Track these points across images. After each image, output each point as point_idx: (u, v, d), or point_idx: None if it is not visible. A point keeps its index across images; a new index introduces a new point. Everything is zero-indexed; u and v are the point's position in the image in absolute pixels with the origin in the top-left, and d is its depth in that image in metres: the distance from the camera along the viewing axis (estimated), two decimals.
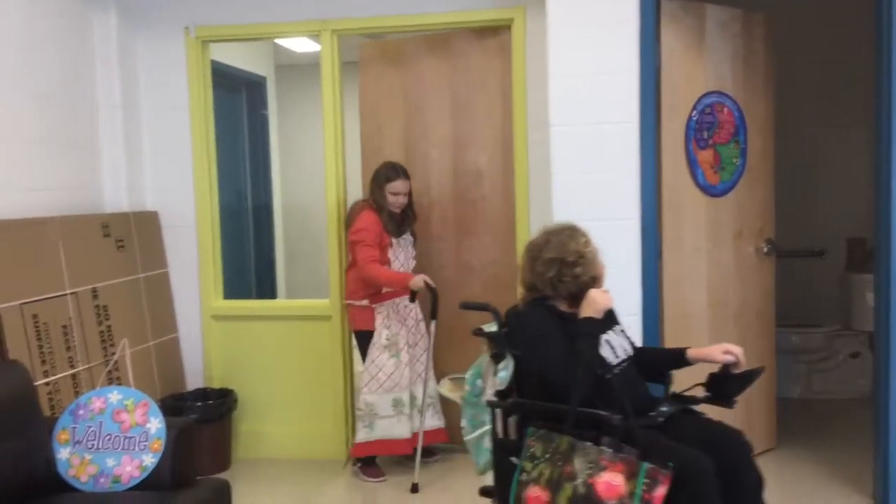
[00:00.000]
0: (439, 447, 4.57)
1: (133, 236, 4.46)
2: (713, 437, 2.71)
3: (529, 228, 4.43)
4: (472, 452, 3.02)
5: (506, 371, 2.84)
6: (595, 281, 2.88)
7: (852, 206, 5.60)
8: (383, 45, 4.87)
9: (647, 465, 2.43)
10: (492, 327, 2.95)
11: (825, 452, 4.46)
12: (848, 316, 5.59)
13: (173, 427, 3.09)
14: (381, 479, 4.36)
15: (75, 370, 3.84)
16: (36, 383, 3.31)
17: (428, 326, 4.39)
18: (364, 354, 4.37)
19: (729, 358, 2.81)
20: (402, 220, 4.37)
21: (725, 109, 4.15)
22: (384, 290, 4.29)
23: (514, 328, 2.89)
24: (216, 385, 4.73)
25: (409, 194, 4.38)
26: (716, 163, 4.14)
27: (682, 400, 2.90)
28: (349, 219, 4.41)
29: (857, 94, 5.36)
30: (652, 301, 3.75)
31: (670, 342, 3.85)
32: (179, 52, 4.69)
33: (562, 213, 3.60)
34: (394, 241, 4.32)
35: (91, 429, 3.06)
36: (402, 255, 4.38)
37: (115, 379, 4.09)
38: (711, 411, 2.91)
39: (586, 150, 3.71)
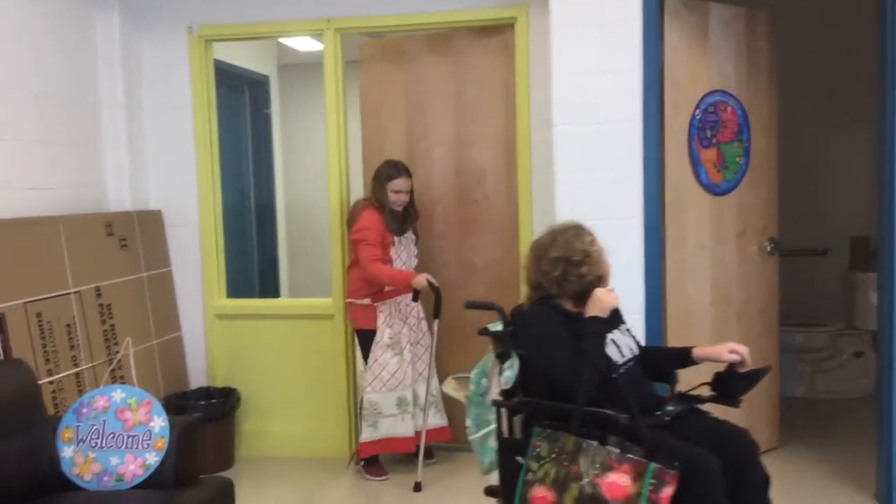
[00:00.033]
0: (439, 446, 4.56)
1: (136, 235, 4.47)
2: (719, 437, 2.71)
3: (532, 228, 4.43)
4: (476, 452, 3.01)
5: (511, 370, 2.83)
6: (601, 280, 2.87)
7: (856, 204, 5.59)
8: (384, 44, 4.87)
9: (654, 466, 2.42)
10: (497, 326, 2.94)
11: (828, 452, 4.45)
12: (851, 315, 5.58)
13: (177, 426, 3.09)
14: (384, 477, 4.37)
15: (79, 369, 3.85)
16: (40, 382, 3.31)
17: (430, 325, 4.39)
18: (366, 354, 4.37)
19: (735, 357, 2.81)
20: (403, 219, 4.37)
21: (729, 108, 4.15)
22: (386, 288, 4.29)
23: (520, 327, 2.89)
24: (219, 384, 4.74)
25: (411, 192, 4.38)
26: (719, 161, 4.13)
27: (688, 399, 2.90)
28: (351, 217, 4.41)
29: (860, 93, 5.34)
30: (655, 300, 3.74)
31: (673, 341, 3.85)
32: (182, 51, 4.69)
33: (565, 212, 3.59)
34: (396, 239, 4.32)
35: (95, 427, 3.06)
36: (404, 254, 4.38)
37: (118, 377, 4.09)
38: (716, 410, 2.91)
39: (589, 148, 3.71)
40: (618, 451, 2.50)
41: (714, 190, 4.13)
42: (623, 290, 2.94)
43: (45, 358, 3.64)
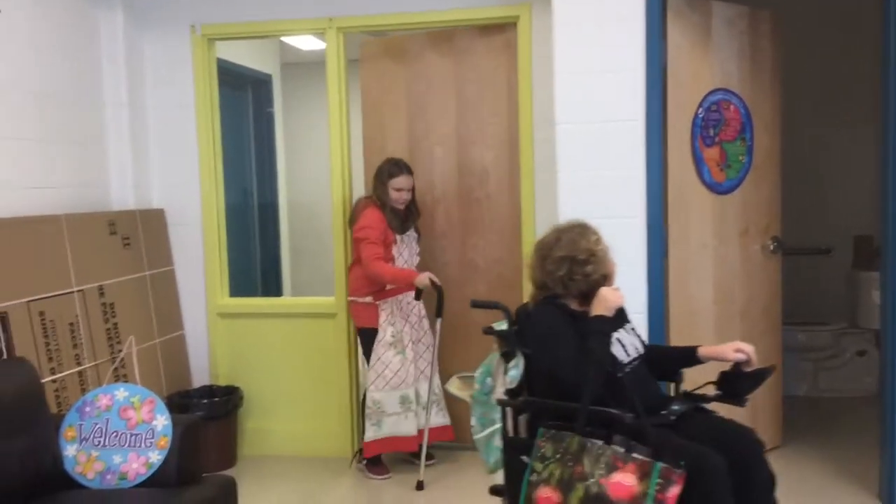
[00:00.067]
0: (441, 445, 4.55)
1: (139, 234, 4.48)
2: (725, 436, 2.70)
3: (535, 227, 4.43)
4: (481, 451, 2.99)
5: (516, 369, 2.82)
6: (606, 279, 2.86)
7: (859, 203, 5.58)
8: (386, 43, 4.86)
9: (660, 465, 2.41)
10: (502, 325, 2.93)
11: (831, 450, 4.45)
12: (854, 314, 5.57)
13: (179, 424, 3.10)
14: (387, 476, 4.37)
15: (82, 367, 3.85)
16: (43, 380, 3.31)
17: (433, 324, 4.39)
18: (367, 352, 4.37)
19: (741, 356, 2.80)
20: (405, 217, 4.37)
21: (732, 107, 4.14)
22: (387, 287, 4.29)
23: (525, 326, 2.88)
24: (222, 382, 4.74)
25: (413, 190, 4.38)
26: (722, 160, 4.13)
27: (694, 398, 2.89)
28: (353, 216, 4.41)
29: (863, 92, 5.34)
30: (658, 299, 3.74)
31: (676, 340, 3.84)
32: (185, 51, 4.70)
33: (567, 211, 3.59)
34: (398, 237, 4.32)
35: (98, 426, 3.07)
36: (405, 252, 4.38)
37: (121, 376, 4.10)
38: (722, 409, 2.90)
39: (592, 147, 3.70)
40: (623, 450, 2.49)
41: (717, 188, 4.12)
42: (626, 288, 2.93)
43: (48, 356, 3.65)
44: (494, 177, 4.65)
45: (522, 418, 2.86)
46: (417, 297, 4.32)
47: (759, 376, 2.82)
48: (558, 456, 2.57)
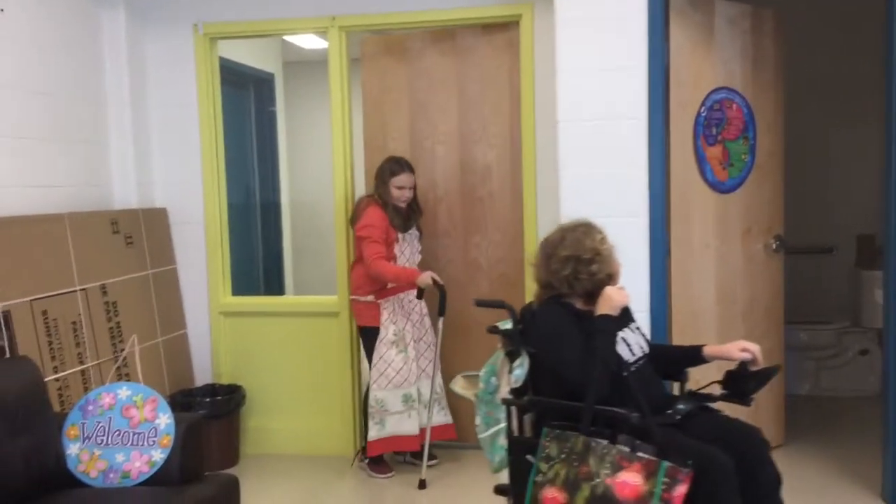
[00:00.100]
0: (443, 444, 4.55)
1: (142, 233, 4.48)
2: (730, 435, 2.70)
3: (537, 225, 4.43)
4: (486, 450, 2.98)
5: (521, 368, 2.81)
6: (611, 278, 2.86)
7: (862, 202, 5.57)
8: (387, 41, 4.85)
9: (666, 464, 2.41)
10: (506, 325, 2.93)
11: (834, 450, 4.45)
12: (857, 313, 5.57)
13: (182, 423, 3.10)
14: (389, 475, 4.37)
15: (85, 366, 3.86)
16: (46, 379, 3.32)
17: (435, 323, 4.39)
18: (369, 351, 4.37)
19: (746, 356, 2.80)
20: (407, 215, 4.37)
21: (734, 106, 4.14)
22: (389, 285, 4.29)
23: (530, 326, 2.87)
24: (224, 381, 4.75)
25: (414, 189, 4.37)
26: (724, 159, 4.12)
27: (699, 397, 2.89)
28: (355, 214, 4.40)
29: (866, 90, 5.33)
30: (660, 298, 3.74)
31: (678, 339, 3.84)
32: (188, 49, 4.70)
33: (570, 210, 3.58)
34: (400, 236, 4.32)
35: (100, 424, 3.07)
36: (407, 251, 4.38)
37: (124, 375, 4.10)
38: (727, 409, 2.90)
39: (595, 146, 3.70)
40: (628, 450, 2.49)
41: (719, 188, 4.12)
42: (628, 288, 2.92)
43: (50, 355, 3.65)
44: (497, 175, 4.65)
45: (527, 418, 2.86)
46: (419, 296, 4.32)
47: (764, 376, 2.81)
48: (563, 456, 2.57)
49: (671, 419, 2.73)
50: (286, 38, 6.15)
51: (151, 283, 4.50)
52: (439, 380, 4.43)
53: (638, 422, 2.53)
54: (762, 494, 2.66)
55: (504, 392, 2.89)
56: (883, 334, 3.93)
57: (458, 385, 3.13)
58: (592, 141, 3.70)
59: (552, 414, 2.72)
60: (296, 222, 6.81)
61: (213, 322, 4.79)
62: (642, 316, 3.64)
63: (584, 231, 2.89)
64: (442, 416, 4.47)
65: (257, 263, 6.12)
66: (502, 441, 2.90)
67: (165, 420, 3.07)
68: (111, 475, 3.00)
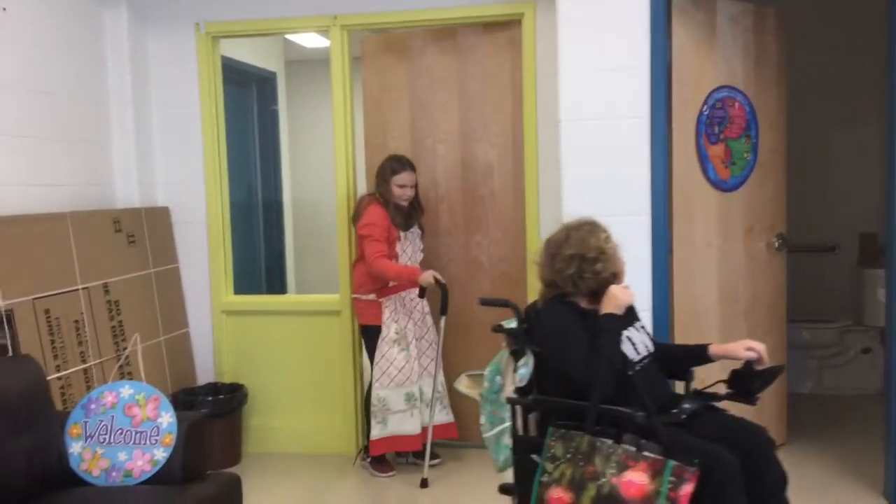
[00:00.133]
0: (445, 443, 4.55)
1: (144, 232, 4.48)
2: (736, 434, 2.69)
3: (539, 224, 4.43)
4: (491, 450, 2.98)
5: (526, 368, 2.81)
6: (616, 277, 2.85)
7: (865, 200, 5.57)
8: (387, 39, 4.84)
9: (672, 463, 2.40)
10: (511, 323, 2.92)
11: (836, 448, 4.44)
12: (860, 311, 5.56)
13: (184, 421, 3.10)
14: (391, 474, 4.37)
15: (87, 365, 3.86)
16: (48, 378, 3.33)
17: (437, 322, 4.39)
18: (371, 349, 4.37)
19: (752, 354, 2.79)
20: (409, 214, 4.37)
21: (736, 104, 4.13)
22: (391, 283, 4.29)
23: (535, 325, 2.86)
24: (227, 380, 4.75)
25: (416, 187, 4.37)
26: (727, 158, 4.12)
27: (704, 397, 2.88)
28: (356, 213, 4.40)
29: (868, 89, 5.33)
30: (662, 296, 3.73)
31: (681, 338, 3.84)
32: (190, 48, 4.70)
33: (572, 209, 3.59)
34: (401, 234, 4.32)
35: (103, 423, 3.08)
36: (409, 249, 4.38)
37: (126, 374, 4.11)
38: (732, 408, 2.89)
39: (597, 145, 3.70)
40: (634, 449, 2.48)
41: (722, 186, 4.11)
42: (630, 286, 2.92)
43: (53, 354, 3.66)
44: (498, 174, 4.65)
45: (532, 417, 2.85)
46: (421, 295, 4.32)
47: (770, 375, 2.81)
48: (569, 456, 2.56)
49: (676, 418, 2.73)
50: (288, 37, 6.15)
51: (154, 281, 4.50)
52: (441, 378, 4.43)
53: (643, 421, 2.52)
54: (768, 494, 2.65)
55: (509, 391, 2.88)
56: (885, 333, 3.93)
57: (463, 384, 3.13)
58: (594, 140, 3.70)
59: (557, 413, 2.72)
60: (298, 221, 6.82)
61: (216, 321, 4.80)
62: (644, 314, 3.63)
63: (588, 230, 2.88)
64: (444, 415, 4.47)
65: (259, 262, 6.13)
66: (507, 440, 2.90)
67: (168, 419, 3.07)
68: (113, 474, 3.01)
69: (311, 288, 6.73)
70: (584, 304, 2.86)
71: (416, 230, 4.43)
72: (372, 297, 4.31)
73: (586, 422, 2.58)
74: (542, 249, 2.96)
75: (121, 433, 3.06)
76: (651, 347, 2.92)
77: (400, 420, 4.30)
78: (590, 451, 2.53)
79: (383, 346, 4.30)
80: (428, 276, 4.19)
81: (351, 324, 4.64)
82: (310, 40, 6.39)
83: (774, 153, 4.35)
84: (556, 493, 2.55)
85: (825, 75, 5.62)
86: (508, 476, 2.91)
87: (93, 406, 3.11)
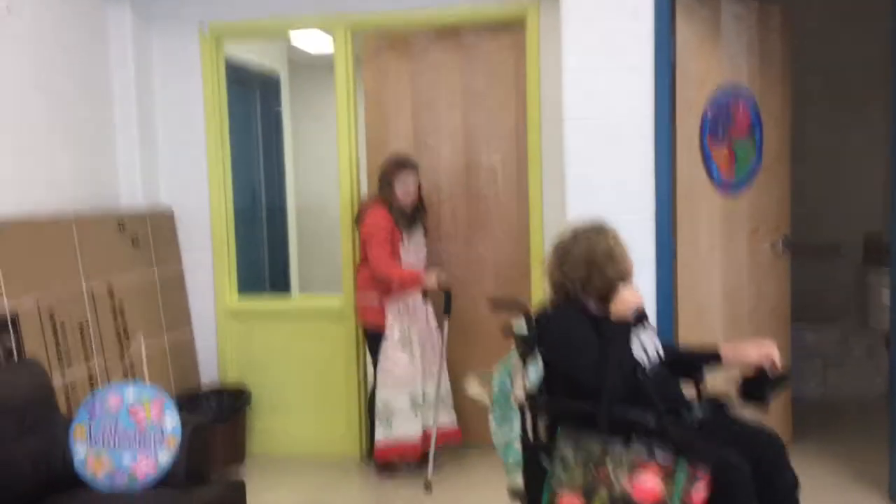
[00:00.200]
0: (448, 446, 4.53)
1: (148, 233, 4.48)
2: (747, 438, 2.67)
3: (543, 225, 4.42)
4: (500, 453, 2.95)
5: (535, 371, 2.79)
6: (625, 279, 2.83)
7: (870, 201, 5.54)
8: (389, 39, 4.80)
9: (685, 466, 2.39)
10: (521, 326, 2.91)
11: (841, 450, 4.43)
12: (864, 313, 5.54)
13: (188, 424, 3.11)
14: (395, 476, 4.37)
15: (91, 367, 3.86)
16: (53, 381, 3.33)
17: (441, 324, 4.38)
18: (374, 352, 4.37)
19: (765, 360, 2.78)
20: (412, 215, 4.35)
21: (741, 105, 4.12)
22: (395, 286, 4.28)
23: (544, 329, 2.84)
24: (230, 382, 4.75)
25: (419, 188, 4.36)
26: (731, 159, 4.11)
27: (716, 400, 2.86)
28: (359, 215, 4.40)
29: (874, 87, 5.30)
30: (666, 298, 3.73)
31: (685, 339, 3.83)
32: (194, 50, 4.70)
33: (576, 210, 3.58)
34: (405, 236, 4.31)
35: (107, 426, 3.08)
36: (413, 251, 4.37)
37: (130, 376, 4.11)
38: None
39: (601, 145, 3.69)
40: (645, 452, 2.47)
41: (726, 187, 4.10)
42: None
43: (57, 357, 3.66)
44: (502, 175, 4.65)
45: (542, 420, 2.83)
46: (425, 296, 4.31)
47: (782, 379, 2.79)
48: (580, 461, 2.55)
49: (687, 422, 2.71)
50: (292, 42, 6.16)
51: (158, 284, 4.50)
52: (445, 380, 4.42)
53: (654, 424, 2.51)
54: (779, 498, 2.63)
55: (519, 394, 2.87)
56: (889, 335, 3.91)
57: (472, 386, 3.10)
58: (598, 140, 3.69)
59: (567, 417, 2.70)
60: (301, 222, 6.82)
61: (220, 323, 4.80)
62: (648, 316, 3.62)
63: (596, 232, 2.87)
64: (448, 418, 4.45)
65: (263, 264, 6.12)
66: (517, 444, 2.88)
67: (172, 421, 3.07)
68: (118, 477, 3.01)
69: (314, 290, 6.73)
70: (593, 306, 2.85)
71: (419, 232, 4.42)
72: (376, 299, 4.31)
73: (597, 425, 2.57)
74: (551, 252, 2.94)
75: (125, 436, 3.06)
76: (661, 350, 2.90)
77: (404, 422, 4.29)
78: (601, 455, 2.51)
79: (387, 349, 4.30)
80: (432, 280, 4.18)
81: (355, 326, 4.64)
82: (313, 44, 6.39)
83: (779, 154, 4.34)
84: (568, 497, 2.54)
85: (830, 74, 5.60)
86: (518, 480, 2.88)
87: (97, 409, 3.11)
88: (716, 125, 4.04)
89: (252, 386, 4.70)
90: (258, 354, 4.78)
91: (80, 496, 2.95)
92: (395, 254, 4.26)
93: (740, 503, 2.46)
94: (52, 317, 3.65)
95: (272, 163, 6.27)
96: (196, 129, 4.74)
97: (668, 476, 2.41)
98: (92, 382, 3.84)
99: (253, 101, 6.08)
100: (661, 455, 2.46)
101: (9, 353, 3.36)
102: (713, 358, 2.90)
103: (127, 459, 3.02)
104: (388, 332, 4.30)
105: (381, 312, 4.31)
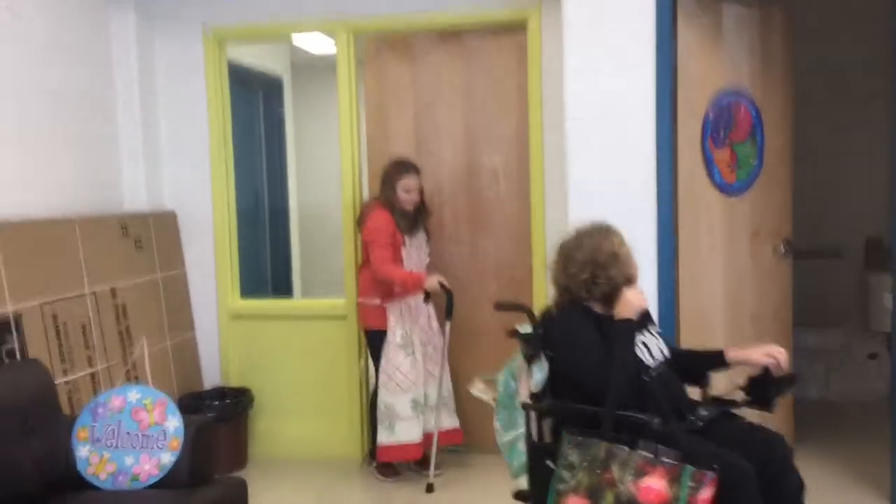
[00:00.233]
0: (450, 449, 4.54)
1: (151, 236, 4.50)
2: (753, 442, 2.66)
3: (545, 227, 4.43)
4: (505, 455, 2.96)
5: (540, 373, 2.79)
6: (629, 281, 2.83)
7: (872, 204, 5.54)
8: (391, 41, 4.79)
9: (691, 469, 2.39)
10: (526, 328, 2.90)
11: (843, 454, 4.43)
12: (866, 317, 5.54)
13: (191, 425, 3.11)
14: (397, 478, 4.37)
15: (94, 369, 3.88)
16: (56, 382, 3.34)
17: (442, 327, 4.38)
18: (375, 354, 4.37)
19: (770, 361, 2.77)
20: (414, 218, 4.35)
21: (742, 107, 4.13)
22: (396, 288, 4.28)
23: (549, 330, 2.84)
24: (233, 384, 4.76)
25: (421, 191, 4.37)
26: (732, 161, 4.11)
27: (722, 403, 2.85)
28: (361, 218, 4.41)
29: (876, 91, 5.30)
30: (668, 301, 3.73)
31: (686, 342, 3.83)
32: (197, 52, 4.71)
33: (577, 212, 3.58)
34: (407, 239, 4.31)
35: (110, 427, 3.08)
36: (415, 254, 4.37)
37: (133, 378, 4.12)
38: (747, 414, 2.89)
39: (602, 148, 3.70)
40: (651, 455, 2.47)
41: (727, 190, 4.11)
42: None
43: (60, 358, 3.67)
44: (504, 177, 4.65)
45: (547, 422, 2.83)
46: (426, 300, 4.32)
47: (787, 381, 2.79)
48: (585, 464, 2.54)
49: (693, 425, 2.70)
50: (294, 43, 6.16)
51: (161, 286, 4.51)
52: (447, 383, 4.43)
53: (659, 427, 2.51)
54: (785, 501, 2.62)
55: (524, 396, 2.86)
56: (891, 338, 3.91)
57: (477, 388, 3.10)
58: (600, 143, 3.70)
59: (572, 419, 2.70)
60: (304, 225, 6.83)
61: (222, 325, 4.81)
62: (653, 317, 3.63)
63: (601, 234, 2.87)
64: (450, 420, 4.46)
65: (265, 266, 6.14)
66: (521, 446, 2.88)
67: (175, 423, 3.08)
68: (120, 478, 3.01)
69: (317, 292, 6.74)
70: (597, 308, 2.84)
71: (421, 235, 4.43)
72: (377, 301, 4.31)
73: (602, 428, 2.57)
74: (555, 254, 2.94)
75: (128, 437, 3.06)
76: (666, 352, 2.90)
77: (407, 426, 4.29)
78: (607, 458, 2.51)
79: (389, 352, 4.30)
80: (433, 282, 4.19)
81: (356, 328, 4.64)
82: (316, 46, 6.41)
83: (780, 157, 4.35)
84: (573, 499, 2.53)
85: (832, 77, 5.61)
86: (522, 482, 2.89)
87: (100, 410, 3.12)
88: (717, 127, 4.04)
89: (254, 388, 4.71)
90: (260, 356, 4.78)
91: (83, 497, 2.96)
92: (396, 256, 4.26)
93: None
94: (55, 318, 3.66)
95: (275, 165, 6.28)
96: (199, 132, 4.75)
97: (673, 479, 2.41)
98: (95, 384, 3.85)
99: (256, 104, 6.10)
100: (666, 457, 2.45)
101: (12, 354, 3.37)
102: (719, 360, 2.89)
103: (129, 461, 3.03)
104: (389, 334, 4.30)
105: (383, 314, 4.31)
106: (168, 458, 3.03)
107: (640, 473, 2.44)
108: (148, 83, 4.66)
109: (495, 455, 3.03)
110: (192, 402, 4.40)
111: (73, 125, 4.18)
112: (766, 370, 2.79)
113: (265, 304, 5.16)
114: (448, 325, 4.31)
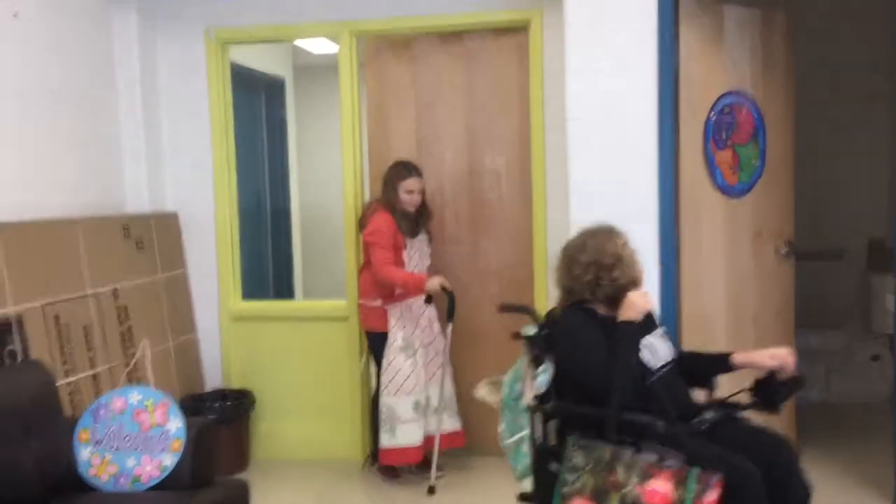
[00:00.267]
0: (452, 451, 4.54)
1: (153, 237, 4.50)
2: (759, 445, 2.66)
3: (547, 229, 4.43)
4: (509, 457, 2.96)
5: (545, 375, 2.78)
6: (634, 283, 2.82)
7: (874, 205, 5.53)
8: (392, 43, 4.79)
9: (696, 471, 2.39)
10: (530, 330, 2.90)
11: (845, 454, 4.43)
12: (868, 318, 5.53)
13: (193, 427, 3.11)
14: (398, 480, 4.37)
15: (96, 370, 3.88)
16: (57, 383, 3.34)
17: (444, 329, 4.38)
18: (377, 356, 4.37)
19: (775, 363, 2.76)
20: (416, 220, 4.35)
21: (744, 109, 4.13)
22: (397, 290, 4.28)
23: (553, 332, 2.84)
24: (234, 385, 4.76)
25: (423, 193, 4.36)
26: (734, 163, 4.11)
27: (727, 406, 2.84)
28: (363, 219, 4.41)
29: (878, 93, 5.30)
30: (670, 302, 3.73)
31: (688, 344, 3.82)
32: (199, 54, 4.72)
33: (579, 215, 3.58)
34: (408, 241, 4.31)
35: (111, 429, 3.08)
36: (416, 256, 4.37)
37: (135, 379, 4.12)
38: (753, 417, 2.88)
39: (604, 150, 3.69)
40: (656, 457, 2.47)
41: (729, 192, 4.10)
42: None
43: (62, 360, 3.67)
44: (506, 179, 4.65)
45: (552, 424, 2.82)
46: (427, 302, 4.32)
47: (794, 384, 2.78)
48: (590, 466, 2.54)
49: (698, 428, 2.69)
50: (296, 43, 6.17)
51: (162, 287, 4.51)
52: (449, 385, 4.42)
53: (664, 429, 2.50)
54: None
55: (528, 398, 2.86)
56: (894, 340, 3.91)
57: (483, 391, 3.09)
58: (602, 145, 3.70)
59: (577, 421, 2.70)
60: (305, 226, 6.83)
61: (224, 326, 4.81)
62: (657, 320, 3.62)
63: (605, 236, 2.87)
64: (451, 423, 4.45)
65: (267, 268, 6.14)
66: (526, 448, 2.88)
67: (176, 424, 3.08)
68: (122, 479, 3.01)
69: (318, 294, 6.74)
70: (602, 310, 2.84)
71: (423, 236, 4.43)
72: (378, 303, 4.31)
73: (606, 430, 2.56)
74: (560, 256, 2.94)
75: (129, 439, 3.07)
76: (672, 354, 2.89)
77: (408, 429, 4.28)
78: (611, 461, 2.51)
79: (390, 354, 4.30)
80: (435, 283, 4.18)
81: (358, 330, 4.64)
82: (318, 46, 6.41)
83: (782, 159, 4.34)
84: (578, 502, 2.53)
85: (834, 79, 5.60)
86: (527, 484, 2.88)
87: (101, 412, 3.12)
88: (719, 129, 4.04)
89: (256, 389, 4.71)
90: (262, 358, 4.78)
91: (84, 499, 2.96)
92: (397, 258, 4.26)
93: None
94: (56, 319, 3.66)
95: (276, 166, 6.29)
96: (201, 133, 4.75)
97: (679, 481, 2.40)
98: (96, 385, 3.85)
99: (258, 105, 6.10)
100: (671, 460, 2.45)
101: (13, 355, 3.37)
102: (725, 363, 2.88)
103: (131, 462, 3.03)
104: (391, 336, 4.30)
105: (384, 316, 4.31)
106: (170, 460, 3.03)
107: (645, 476, 2.44)
108: (150, 84, 4.66)
109: (497, 457, 3.03)
110: (193, 404, 4.40)
111: (75, 126, 4.18)
112: (771, 373, 2.78)
113: (266, 306, 5.16)
114: (449, 327, 4.31)
